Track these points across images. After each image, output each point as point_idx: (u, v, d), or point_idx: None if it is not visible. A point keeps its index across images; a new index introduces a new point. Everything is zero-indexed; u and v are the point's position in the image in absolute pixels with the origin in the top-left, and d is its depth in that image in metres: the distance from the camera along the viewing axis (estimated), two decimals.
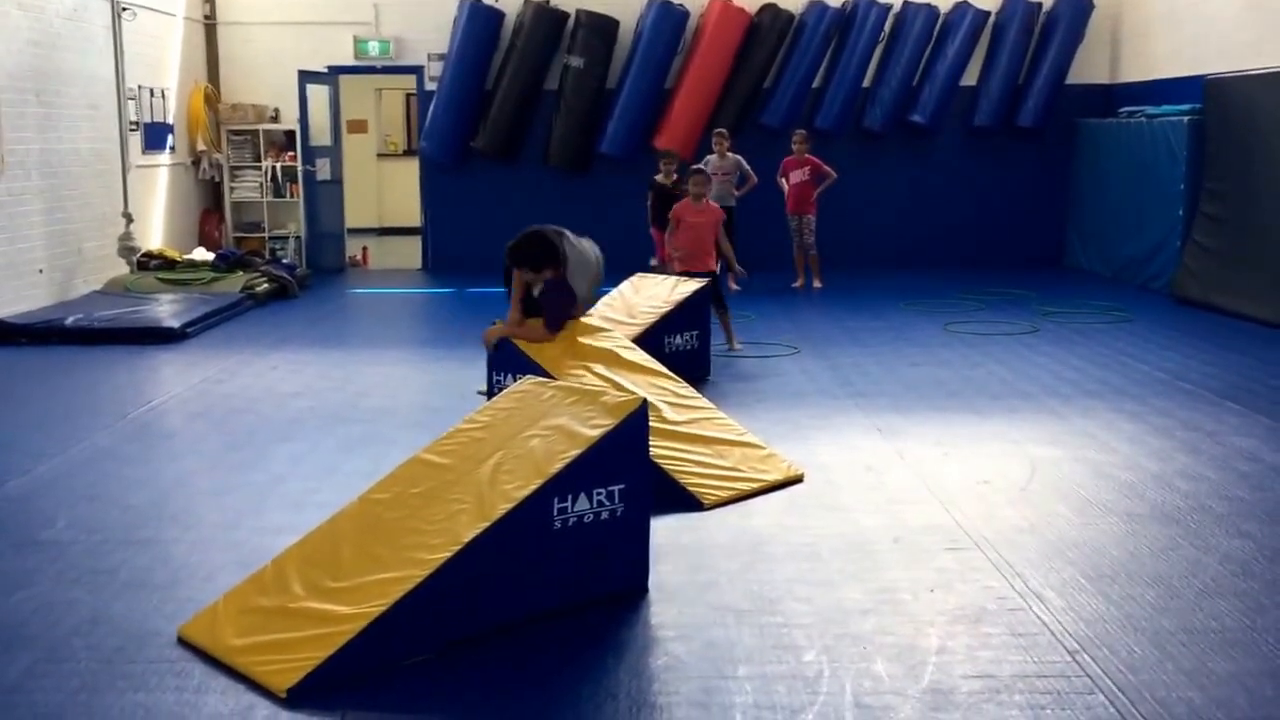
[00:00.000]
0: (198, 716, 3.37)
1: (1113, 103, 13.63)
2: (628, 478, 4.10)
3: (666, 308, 7.64)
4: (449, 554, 3.70)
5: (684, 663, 3.71)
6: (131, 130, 11.97)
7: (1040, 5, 13.64)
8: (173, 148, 13.19)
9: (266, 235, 14.00)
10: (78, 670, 3.64)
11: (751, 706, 3.42)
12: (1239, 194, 10.51)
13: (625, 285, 8.15)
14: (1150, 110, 12.21)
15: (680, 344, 7.62)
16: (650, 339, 7.15)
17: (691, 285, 7.95)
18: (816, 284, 12.16)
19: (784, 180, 12.07)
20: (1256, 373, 8.00)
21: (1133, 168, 12.32)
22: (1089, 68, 13.97)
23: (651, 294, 7.89)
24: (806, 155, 11.98)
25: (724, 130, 11.95)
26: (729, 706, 3.42)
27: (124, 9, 11.65)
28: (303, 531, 4.20)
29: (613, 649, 3.85)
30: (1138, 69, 13.44)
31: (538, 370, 5.57)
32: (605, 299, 7.85)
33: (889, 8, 13.47)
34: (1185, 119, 11.36)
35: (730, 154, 11.69)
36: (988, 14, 13.62)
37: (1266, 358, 8.51)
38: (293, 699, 3.42)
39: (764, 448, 5.73)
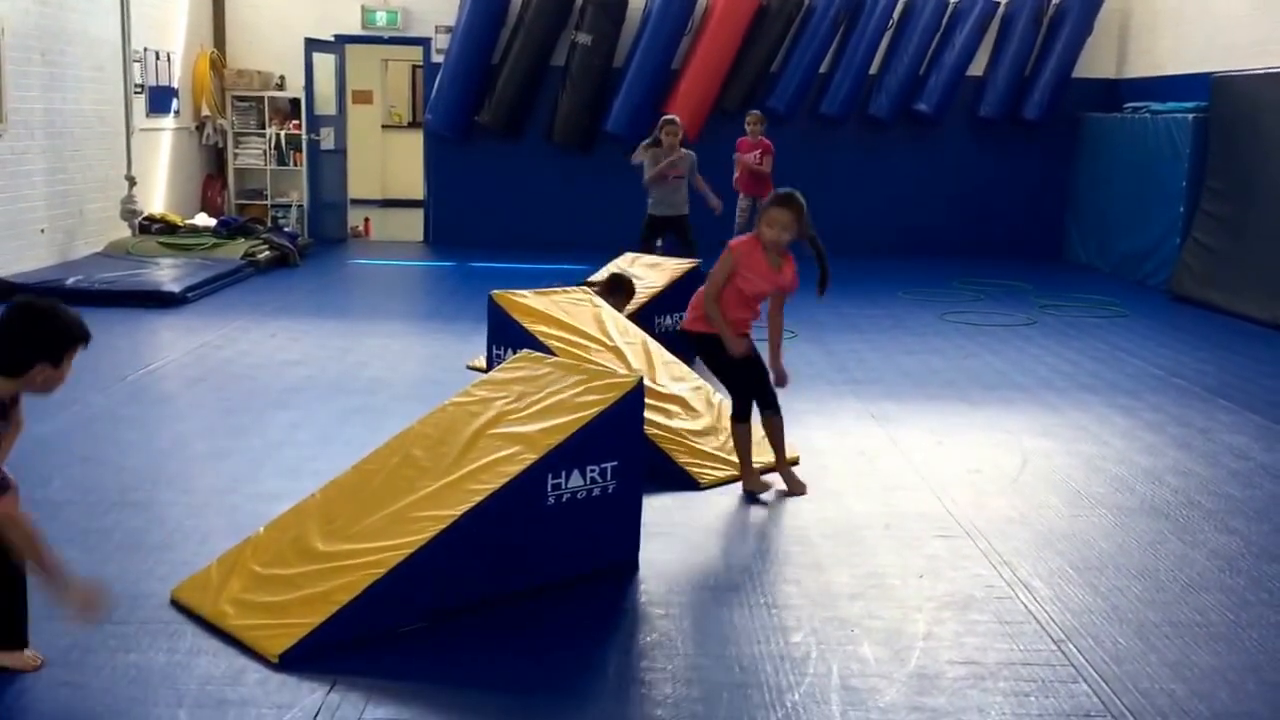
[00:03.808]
0: (189, 678, 3.40)
1: (1118, 98, 13.62)
2: (621, 455, 4.13)
3: (657, 287, 7.71)
4: (442, 526, 3.72)
5: (673, 640, 3.75)
6: (136, 93, 11.94)
7: None
8: (177, 112, 13.17)
9: (269, 203, 13.99)
10: (70, 629, 3.66)
11: (739, 685, 3.45)
12: (1241, 193, 10.52)
13: (615, 265, 8.18)
14: (1155, 106, 12.20)
15: (670, 324, 7.68)
16: (641, 317, 7.18)
17: (682, 265, 8.01)
18: None
19: (746, 157, 10.91)
20: (1250, 371, 8.03)
21: (1135, 163, 12.32)
22: (1095, 62, 13.95)
23: (643, 273, 7.94)
24: (760, 137, 10.91)
25: (674, 118, 9.58)
26: (717, 685, 3.46)
27: None
28: (298, 498, 4.23)
29: (603, 624, 3.89)
30: (1144, 65, 13.42)
31: (536, 345, 5.59)
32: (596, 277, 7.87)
33: None
34: (1190, 116, 11.35)
35: (683, 149, 9.43)
36: (997, 4, 13.59)
37: (1261, 357, 8.55)
38: (284, 664, 3.45)
39: (759, 432, 5.76)
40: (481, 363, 6.72)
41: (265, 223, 13.19)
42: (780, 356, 5.24)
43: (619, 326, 6.28)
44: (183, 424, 6.20)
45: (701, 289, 5.21)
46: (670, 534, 4.65)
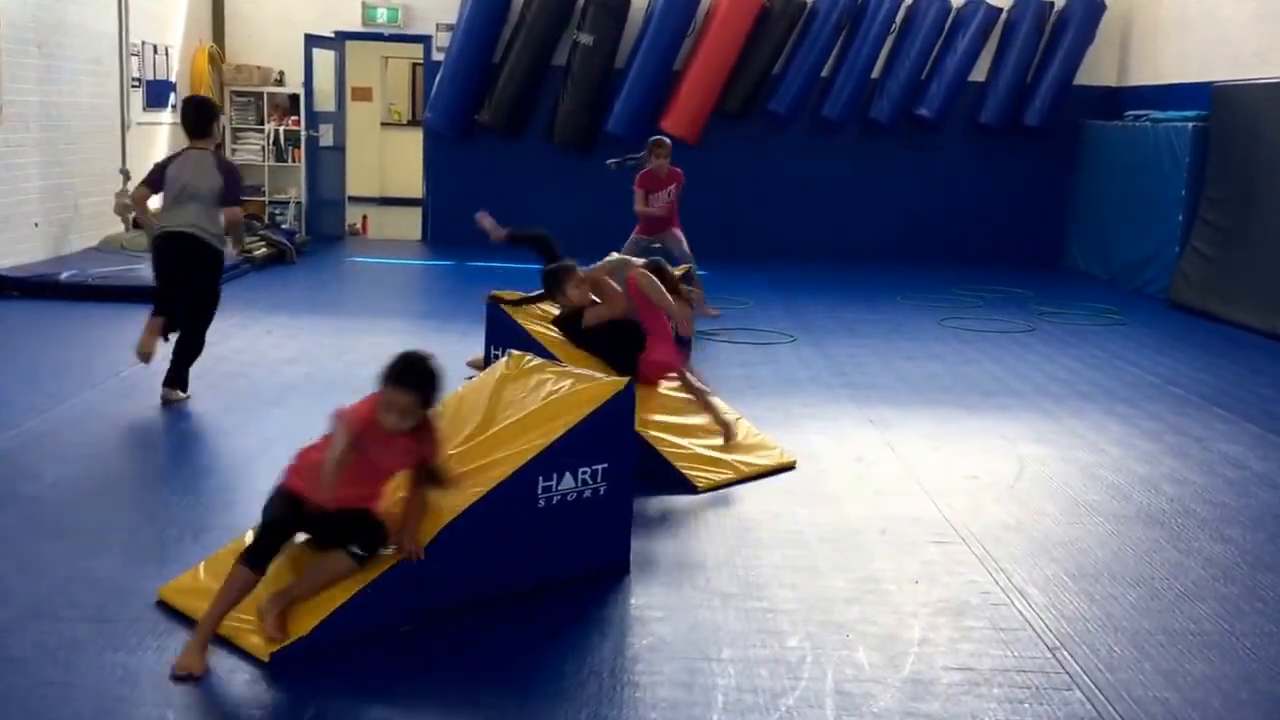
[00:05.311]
0: None
1: (1119, 106, 13.61)
2: (611, 457, 4.12)
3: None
4: (434, 527, 3.70)
5: (668, 643, 3.73)
6: (133, 87, 11.91)
7: (1052, 5, 13.61)
8: (174, 106, 13.13)
9: (267, 199, 13.95)
10: (58, 627, 3.63)
11: (734, 689, 3.43)
12: (1239, 202, 10.51)
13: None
14: (1156, 115, 12.20)
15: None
16: None
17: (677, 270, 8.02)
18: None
19: (651, 198, 9.33)
20: (1247, 381, 8.02)
21: (1135, 172, 12.32)
22: (1097, 70, 13.95)
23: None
24: (671, 169, 9.32)
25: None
26: (711, 688, 3.44)
27: None
28: None
29: (598, 627, 3.87)
30: (1145, 73, 13.42)
31: (535, 346, 5.57)
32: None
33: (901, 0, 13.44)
34: (1190, 125, 11.35)
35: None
36: (1000, 11, 13.58)
37: (1258, 366, 8.54)
38: (276, 666, 3.43)
39: (758, 434, 5.75)
40: (479, 358, 6.69)
41: (263, 219, 13.16)
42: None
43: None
44: (177, 421, 6.17)
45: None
46: (667, 537, 4.63)
